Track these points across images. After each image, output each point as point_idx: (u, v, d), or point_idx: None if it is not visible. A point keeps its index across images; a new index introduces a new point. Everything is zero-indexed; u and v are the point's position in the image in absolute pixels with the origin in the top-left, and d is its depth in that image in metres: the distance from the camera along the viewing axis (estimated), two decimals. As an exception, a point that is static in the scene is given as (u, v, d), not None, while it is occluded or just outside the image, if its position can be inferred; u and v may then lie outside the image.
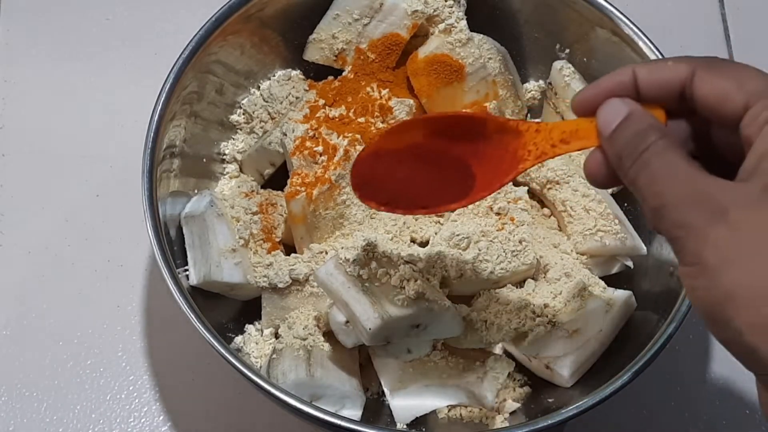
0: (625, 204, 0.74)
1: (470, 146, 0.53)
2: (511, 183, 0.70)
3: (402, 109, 0.72)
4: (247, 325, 0.70)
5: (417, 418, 0.65)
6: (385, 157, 0.54)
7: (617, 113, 0.47)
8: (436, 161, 0.54)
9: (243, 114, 0.77)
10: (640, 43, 0.70)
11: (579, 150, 0.50)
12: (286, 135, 0.71)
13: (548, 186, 0.71)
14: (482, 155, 0.53)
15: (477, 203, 0.68)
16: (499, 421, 0.66)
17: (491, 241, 0.67)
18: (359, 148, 0.68)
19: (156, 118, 0.67)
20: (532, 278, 0.68)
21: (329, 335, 0.66)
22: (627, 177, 0.45)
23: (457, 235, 0.66)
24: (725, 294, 0.41)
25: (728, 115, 0.45)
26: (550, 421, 0.59)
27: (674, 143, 0.45)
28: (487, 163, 0.53)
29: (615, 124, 0.46)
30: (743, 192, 0.42)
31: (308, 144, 0.69)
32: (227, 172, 0.76)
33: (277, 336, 0.68)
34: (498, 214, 0.68)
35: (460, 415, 0.67)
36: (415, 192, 0.55)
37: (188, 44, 0.69)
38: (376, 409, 0.68)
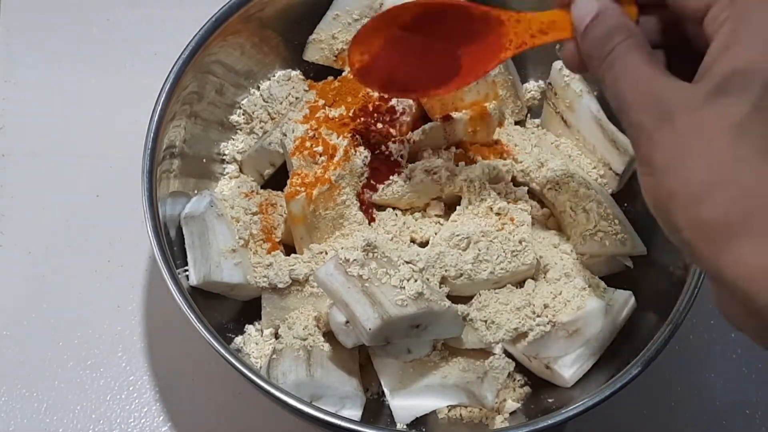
0: (625, 204, 0.74)
1: (456, 35, 0.58)
2: (511, 183, 0.70)
3: (402, 109, 0.72)
4: (247, 326, 0.70)
5: (417, 418, 0.65)
6: (377, 42, 0.60)
7: (588, 10, 0.49)
8: (426, 49, 0.59)
9: (243, 114, 0.77)
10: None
11: (555, 41, 0.54)
12: (286, 135, 0.71)
13: (548, 186, 0.71)
14: (468, 44, 0.58)
15: (477, 204, 0.68)
16: (499, 421, 0.66)
17: (491, 241, 0.67)
18: (359, 148, 0.69)
19: (156, 118, 0.67)
20: (532, 278, 0.68)
21: (329, 335, 0.66)
22: (596, 75, 0.49)
23: (457, 235, 0.66)
24: (668, 193, 0.44)
25: (692, 13, 0.47)
26: (550, 421, 0.59)
27: (639, 44, 0.47)
28: (472, 52, 0.58)
29: (586, 22, 0.49)
30: (691, 94, 0.44)
31: (308, 144, 0.69)
32: (227, 173, 0.76)
33: (277, 336, 0.68)
34: (498, 214, 0.68)
35: (460, 415, 0.67)
36: (407, 77, 0.61)
37: (188, 44, 0.69)
38: (376, 409, 0.68)
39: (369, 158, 0.69)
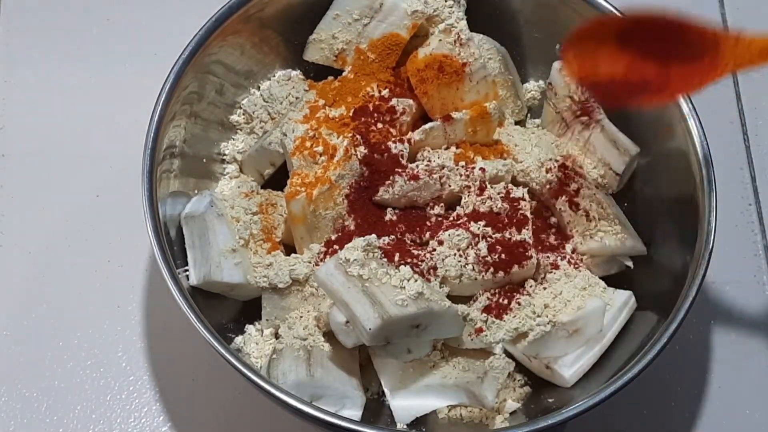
0: (625, 204, 0.74)
1: (668, 50, 0.57)
2: (510, 183, 0.70)
3: (402, 109, 0.72)
4: (247, 326, 0.70)
5: (417, 418, 0.65)
6: (591, 49, 0.59)
7: None
8: (636, 62, 0.58)
9: (243, 114, 0.77)
10: (640, 43, 0.70)
11: None
12: (286, 135, 0.71)
13: (548, 186, 0.71)
14: (680, 60, 0.56)
15: (477, 204, 0.68)
16: (499, 421, 0.66)
17: (491, 241, 0.67)
18: (360, 148, 0.69)
19: (156, 118, 0.67)
20: (532, 278, 0.68)
21: (329, 335, 0.66)
22: None
23: (457, 235, 0.66)
24: None
25: None
26: (550, 421, 0.59)
27: None
28: (684, 68, 0.56)
29: None
30: None
31: (308, 144, 0.69)
32: (227, 173, 0.76)
33: (277, 336, 0.68)
34: (498, 214, 0.68)
35: (460, 415, 0.67)
36: (618, 87, 0.59)
37: (188, 44, 0.69)
38: (376, 409, 0.68)
39: (368, 158, 0.69)
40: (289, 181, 0.69)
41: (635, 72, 0.58)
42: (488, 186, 0.69)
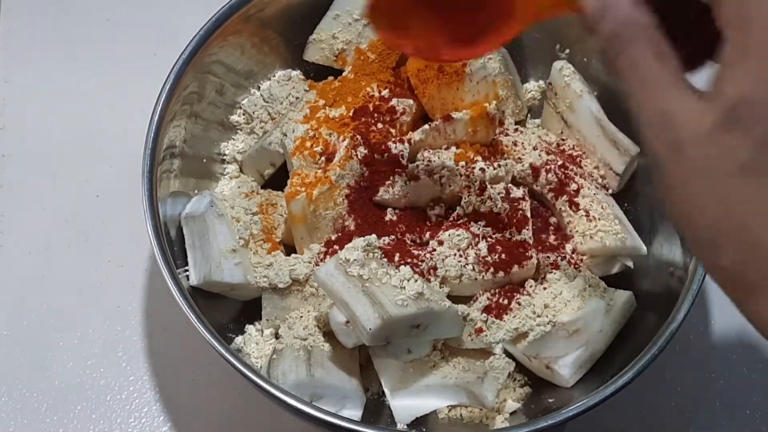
0: (625, 204, 0.74)
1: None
2: (510, 183, 0.70)
3: (402, 109, 0.72)
4: (247, 326, 0.70)
5: (417, 418, 0.65)
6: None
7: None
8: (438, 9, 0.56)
9: (243, 114, 0.77)
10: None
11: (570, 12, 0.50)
12: (286, 135, 0.71)
13: (548, 186, 0.71)
14: (479, 12, 0.55)
15: (477, 204, 0.68)
16: (499, 421, 0.66)
17: (491, 241, 0.67)
18: (360, 148, 0.69)
19: (156, 118, 0.67)
20: (532, 278, 0.68)
21: (329, 335, 0.66)
22: (611, 69, 0.46)
23: (457, 235, 0.66)
24: (683, 222, 0.44)
25: None
26: (550, 421, 0.59)
27: (651, 41, 0.44)
28: (483, 19, 0.55)
29: (595, 14, 0.45)
30: (699, 118, 0.42)
31: (308, 144, 0.69)
32: (227, 173, 0.76)
33: (277, 336, 0.68)
34: (498, 214, 0.68)
35: (461, 415, 0.67)
36: (418, 30, 0.57)
37: (188, 44, 0.69)
38: (376, 409, 0.68)
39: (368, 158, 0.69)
40: (289, 181, 0.69)
41: (440, 25, 0.57)
42: (488, 186, 0.69)
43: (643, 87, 0.44)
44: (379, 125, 0.71)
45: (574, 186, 0.71)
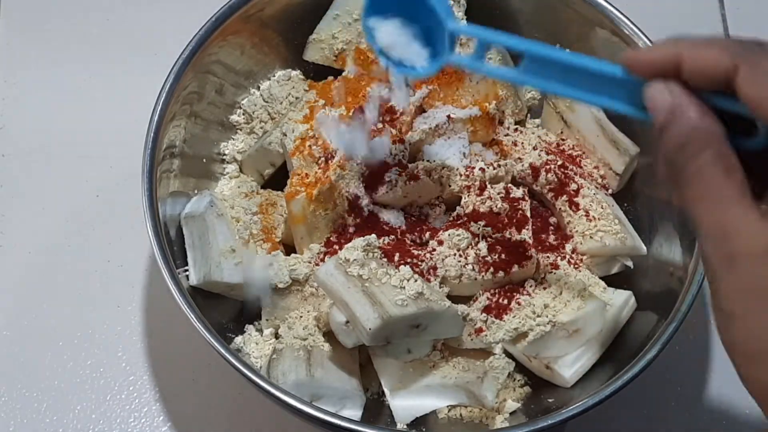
0: (625, 204, 0.74)
1: None
2: (510, 183, 0.70)
3: (402, 109, 0.71)
4: (247, 325, 0.70)
5: (417, 418, 0.65)
6: None
7: (663, 102, 0.44)
8: None
9: (243, 114, 0.77)
10: (640, 44, 0.70)
11: None
12: (286, 135, 0.71)
13: (548, 186, 0.71)
14: None
15: (478, 205, 0.68)
16: (499, 421, 0.66)
17: (491, 241, 0.67)
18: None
19: (156, 118, 0.67)
20: (532, 278, 0.68)
21: (329, 335, 0.66)
22: (673, 187, 0.44)
23: (457, 235, 0.66)
24: (729, 343, 0.43)
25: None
26: (550, 421, 0.59)
27: (721, 155, 0.42)
28: None
29: (661, 118, 0.44)
30: (756, 233, 0.41)
31: (308, 144, 0.69)
32: (227, 173, 0.76)
33: (277, 336, 0.68)
34: (498, 214, 0.68)
35: (460, 415, 0.67)
36: None
37: (188, 44, 0.69)
38: (376, 409, 0.68)
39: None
40: (289, 181, 0.69)
41: None
42: (488, 186, 0.69)
43: (705, 199, 0.43)
44: (379, 125, 0.71)
45: (573, 186, 0.71)
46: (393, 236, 0.68)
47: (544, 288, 0.68)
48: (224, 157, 0.76)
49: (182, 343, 0.75)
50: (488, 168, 0.69)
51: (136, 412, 0.74)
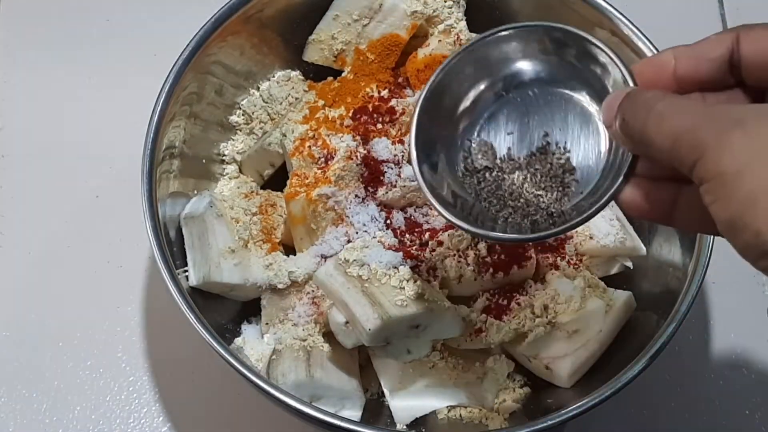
0: (625, 204, 0.73)
1: None
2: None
3: (402, 109, 0.71)
4: (246, 326, 0.70)
5: (417, 418, 0.65)
6: None
7: (617, 95, 0.46)
8: None
9: (242, 115, 0.77)
10: (640, 44, 0.70)
11: None
12: (285, 136, 0.71)
13: (548, 186, 0.71)
14: None
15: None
16: (499, 422, 0.66)
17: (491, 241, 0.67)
18: (359, 148, 0.68)
19: (156, 118, 0.67)
20: (532, 279, 0.68)
21: (329, 336, 0.66)
22: (635, 135, 0.44)
23: (457, 235, 0.66)
24: (746, 196, 0.40)
25: None
26: (550, 422, 0.59)
27: (668, 102, 0.43)
28: None
29: (615, 106, 0.46)
30: (759, 107, 0.41)
31: (308, 145, 0.69)
32: (227, 173, 0.76)
33: (276, 337, 0.68)
34: (498, 214, 0.68)
35: (460, 415, 0.67)
36: None
37: (188, 45, 0.69)
38: (375, 409, 0.68)
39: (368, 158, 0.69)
40: (288, 182, 0.69)
41: None
42: (488, 186, 0.68)
43: (678, 112, 0.43)
44: (379, 125, 0.71)
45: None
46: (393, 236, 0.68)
47: (544, 288, 0.68)
48: (224, 157, 0.76)
49: (182, 344, 0.75)
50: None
51: (136, 413, 0.74)
